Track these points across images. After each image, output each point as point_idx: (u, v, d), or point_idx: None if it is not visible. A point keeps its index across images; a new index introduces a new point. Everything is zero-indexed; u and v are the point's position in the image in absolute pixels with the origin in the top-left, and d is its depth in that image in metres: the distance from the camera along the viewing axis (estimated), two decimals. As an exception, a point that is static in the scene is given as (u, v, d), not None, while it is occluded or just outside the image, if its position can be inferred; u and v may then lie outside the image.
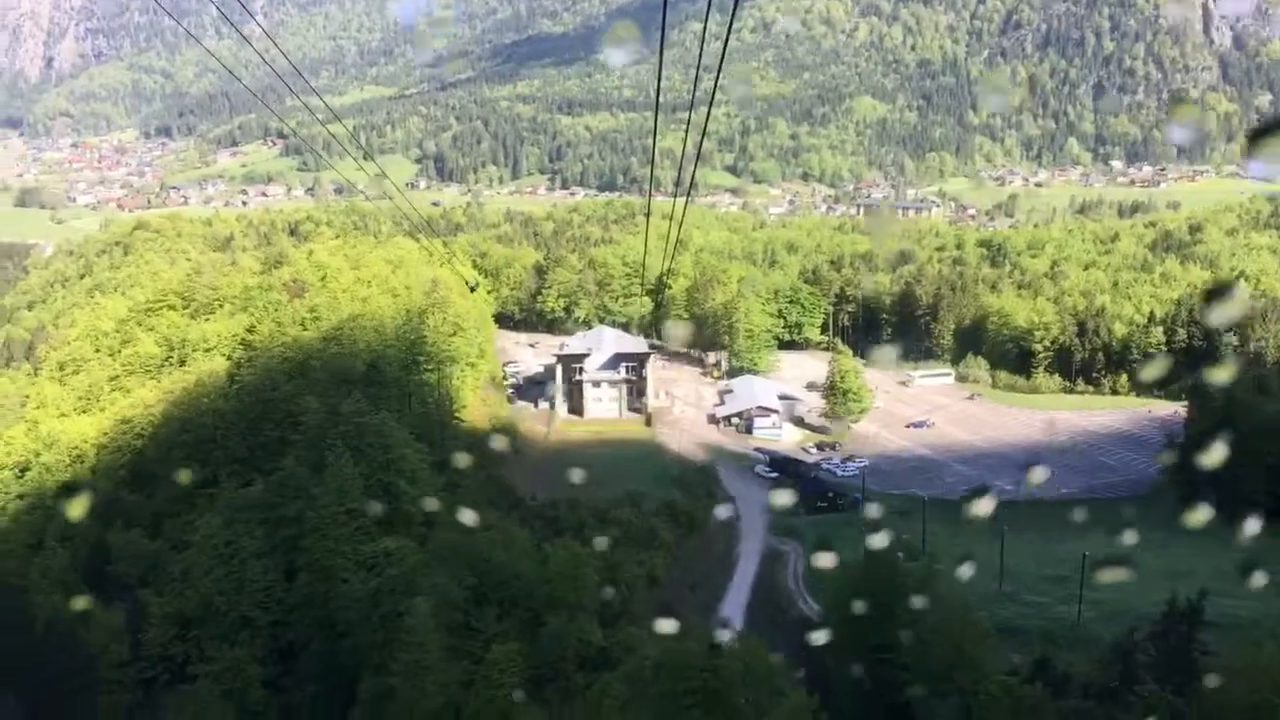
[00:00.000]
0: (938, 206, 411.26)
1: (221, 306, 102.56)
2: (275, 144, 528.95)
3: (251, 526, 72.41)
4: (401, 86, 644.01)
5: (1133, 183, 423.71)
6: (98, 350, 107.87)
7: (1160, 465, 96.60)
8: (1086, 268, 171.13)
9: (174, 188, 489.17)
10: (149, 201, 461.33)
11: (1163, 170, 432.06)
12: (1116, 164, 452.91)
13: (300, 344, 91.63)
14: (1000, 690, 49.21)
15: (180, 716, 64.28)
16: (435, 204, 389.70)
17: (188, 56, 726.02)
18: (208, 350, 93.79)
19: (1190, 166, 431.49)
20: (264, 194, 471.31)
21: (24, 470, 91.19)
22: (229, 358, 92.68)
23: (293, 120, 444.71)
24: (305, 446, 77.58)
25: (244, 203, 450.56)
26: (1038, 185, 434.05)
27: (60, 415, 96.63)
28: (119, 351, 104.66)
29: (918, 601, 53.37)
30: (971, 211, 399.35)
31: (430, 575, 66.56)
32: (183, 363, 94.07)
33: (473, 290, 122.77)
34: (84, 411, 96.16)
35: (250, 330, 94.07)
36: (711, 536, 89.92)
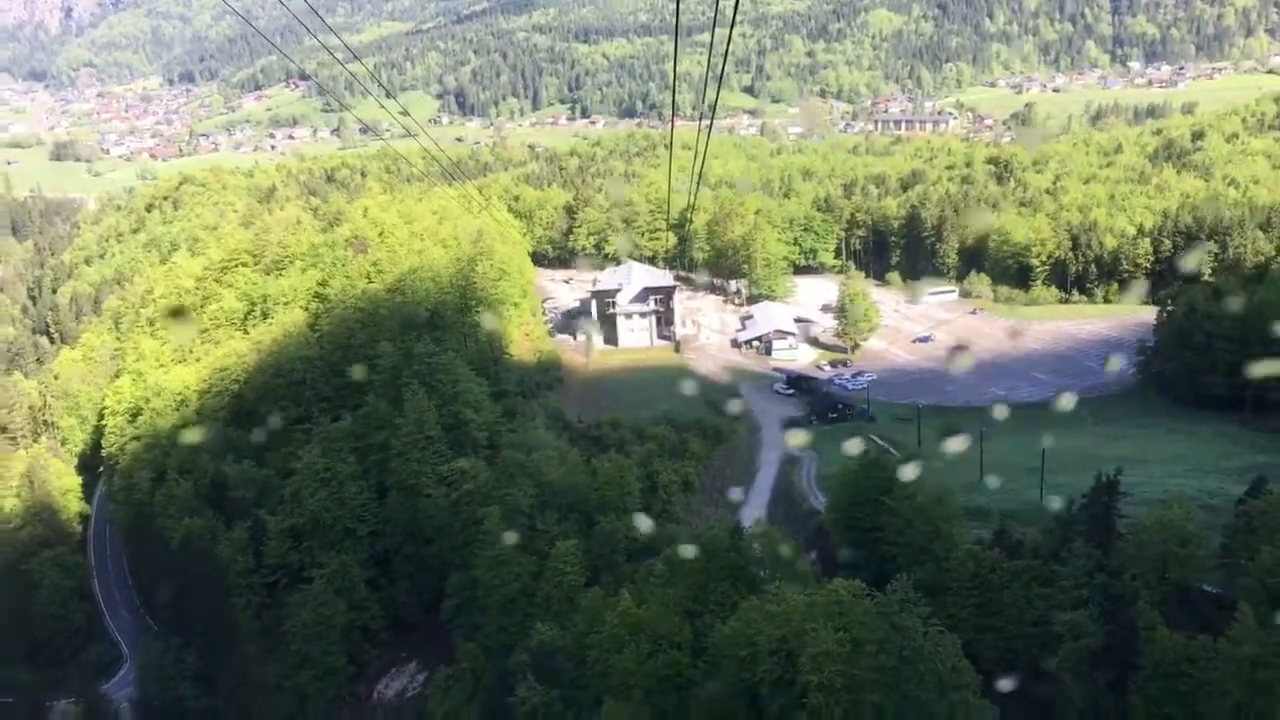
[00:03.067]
0: (955, 119, 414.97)
1: (292, 263, 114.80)
2: (298, 86, 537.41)
3: (345, 454, 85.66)
4: (418, 21, 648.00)
5: (1150, 83, 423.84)
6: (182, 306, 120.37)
7: (1132, 368, 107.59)
8: (1087, 181, 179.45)
9: (203, 135, 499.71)
10: (180, 150, 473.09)
11: (1181, 69, 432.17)
12: (1135, 65, 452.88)
13: (369, 295, 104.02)
14: (965, 556, 61.88)
15: (301, 611, 78.50)
16: (459, 139, 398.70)
17: (204, 0, 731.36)
18: (286, 304, 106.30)
19: (1209, 63, 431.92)
20: (290, 136, 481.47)
21: (135, 415, 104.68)
22: (306, 309, 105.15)
23: (313, 62, 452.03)
24: (383, 385, 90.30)
25: (272, 146, 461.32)
26: (1055, 91, 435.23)
27: (159, 366, 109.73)
28: (202, 307, 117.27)
29: (898, 493, 65.95)
30: (989, 121, 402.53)
31: (499, 488, 79.31)
32: (265, 316, 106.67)
33: None
34: (180, 362, 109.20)
35: (323, 284, 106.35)
36: (737, 447, 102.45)
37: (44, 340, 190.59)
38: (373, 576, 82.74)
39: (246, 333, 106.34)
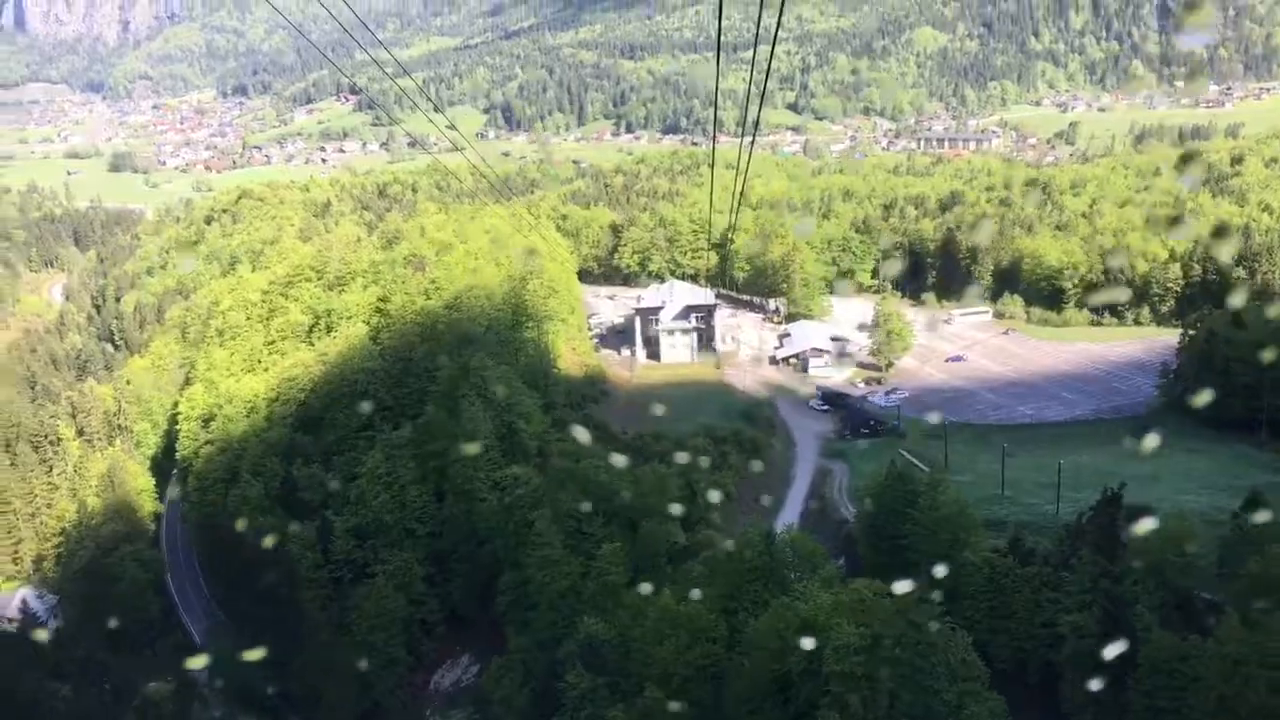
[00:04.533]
0: (998, 137, 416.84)
1: (354, 279, 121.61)
2: (348, 100, 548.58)
3: (406, 460, 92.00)
4: (466, 37, 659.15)
5: (1196, 104, 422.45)
6: (248, 318, 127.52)
7: (1155, 391, 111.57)
8: (1123, 205, 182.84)
9: (256, 148, 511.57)
10: (234, 163, 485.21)
11: (1228, 90, 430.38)
12: (1181, 85, 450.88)
13: (427, 312, 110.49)
14: (981, 562, 66.91)
15: (365, 604, 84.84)
16: (505, 154, 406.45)
17: (258, 15, 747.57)
18: (349, 318, 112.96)
19: (1257, 83, 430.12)
20: (341, 150, 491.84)
21: (208, 421, 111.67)
22: (368, 323, 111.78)
23: (363, 76, 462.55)
24: (441, 396, 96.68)
25: (323, 159, 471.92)
26: (1100, 110, 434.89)
27: (229, 375, 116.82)
28: (269, 319, 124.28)
29: (922, 504, 71.13)
30: (1032, 141, 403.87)
31: (549, 494, 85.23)
32: (329, 329, 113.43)
33: None
34: (249, 371, 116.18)
35: (383, 300, 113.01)
36: (773, 459, 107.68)
37: (109, 347, 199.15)
38: (431, 574, 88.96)
39: (312, 345, 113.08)
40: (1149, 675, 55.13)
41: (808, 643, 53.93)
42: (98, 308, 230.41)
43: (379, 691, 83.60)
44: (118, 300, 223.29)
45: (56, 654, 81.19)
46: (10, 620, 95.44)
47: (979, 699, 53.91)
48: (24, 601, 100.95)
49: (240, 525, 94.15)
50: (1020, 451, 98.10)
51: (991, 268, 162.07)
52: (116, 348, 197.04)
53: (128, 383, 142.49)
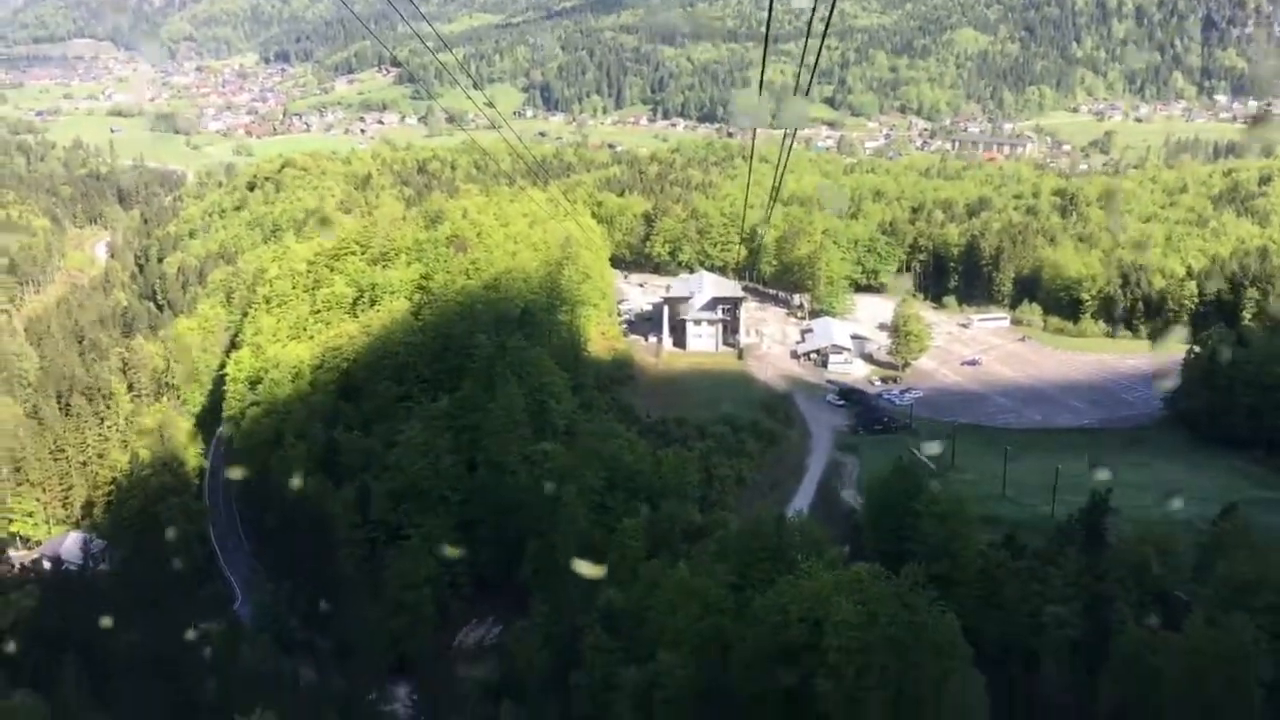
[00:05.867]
0: (1033, 142, 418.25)
1: (398, 256, 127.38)
2: (388, 72, 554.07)
3: (441, 431, 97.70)
4: (508, 15, 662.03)
5: (1235, 118, 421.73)
6: (294, 287, 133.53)
7: (1161, 404, 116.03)
8: (1147, 220, 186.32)
9: (296, 115, 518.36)
10: (274, 129, 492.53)
11: (1268, 106, 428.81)
12: (1221, 99, 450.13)
13: (467, 291, 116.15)
14: (975, 555, 71.98)
15: (399, 564, 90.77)
16: (540, 135, 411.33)
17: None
18: (392, 293, 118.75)
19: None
20: (380, 121, 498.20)
21: (254, 384, 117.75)
22: (410, 299, 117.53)
23: (405, 49, 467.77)
24: (478, 372, 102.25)
25: (362, 130, 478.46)
26: (1138, 120, 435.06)
27: (275, 341, 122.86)
28: (314, 290, 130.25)
29: (923, 500, 76.10)
30: (1067, 148, 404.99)
31: (576, 469, 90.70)
32: (373, 303, 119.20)
33: None
34: (295, 338, 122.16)
35: (426, 278, 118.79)
36: (788, 449, 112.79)
37: (153, 307, 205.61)
38: (461, 539, 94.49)
39: (355, 316, 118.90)
40: (1121, 665, 60.11)
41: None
42: (140, 267, 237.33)
43: (408, 647, 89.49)
44: (160, 261, 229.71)
45: (114, 594, 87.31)
46: (66, 563, 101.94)
47: (961, 675, 58.97)
48: (85, 544, 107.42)
49: (287, 485, 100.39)
50: (1026, 455, 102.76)
51: (1012, 275, 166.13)
52: (159, 308, 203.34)
53: (175, 342, 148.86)
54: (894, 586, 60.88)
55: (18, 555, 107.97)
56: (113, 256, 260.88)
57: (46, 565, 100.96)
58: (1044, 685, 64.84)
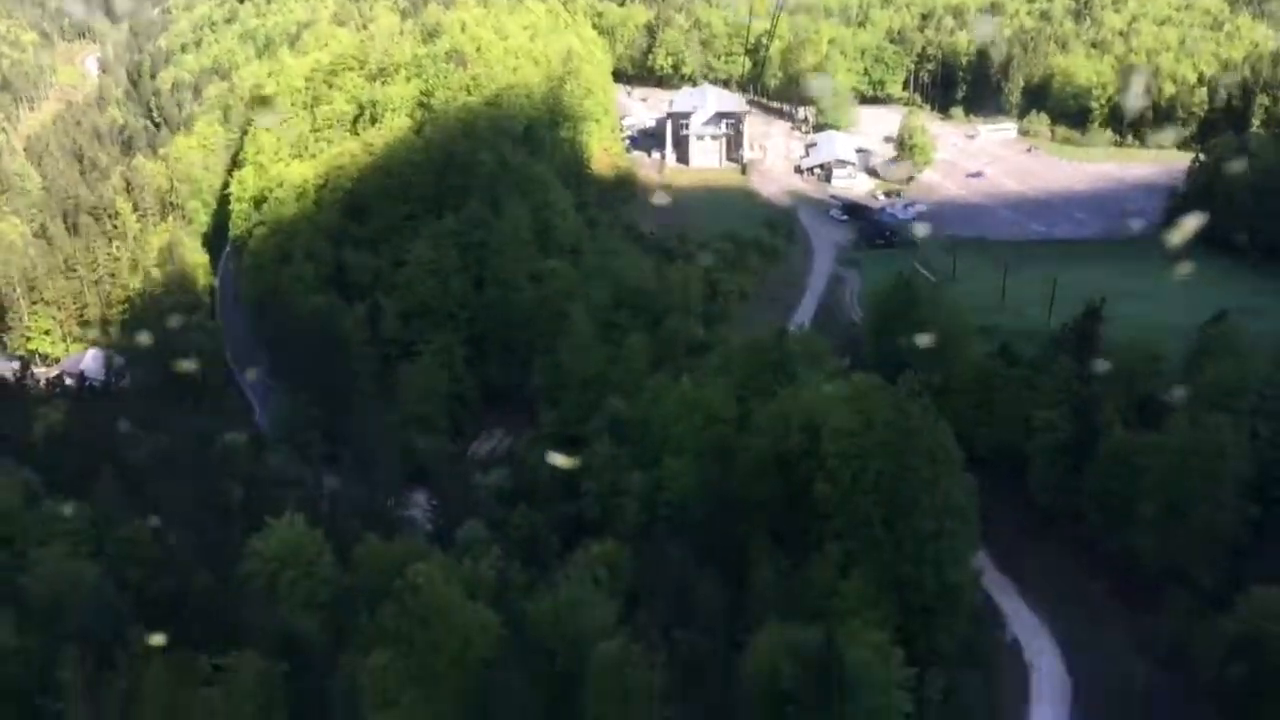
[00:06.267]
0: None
1: (397, 72, 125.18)
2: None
3: (448, 250, 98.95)
4: None
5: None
6: (292, 104, 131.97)
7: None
8: (1161, 24, 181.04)
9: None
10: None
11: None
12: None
13: (469, 108, 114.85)
14: (970, 363, 74.26)
15: (412, 379, 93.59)
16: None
17: None
18: (393, 110, 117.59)
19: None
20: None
21: (259, 203, 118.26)
22: (411, 117, 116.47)
23: None
24: (482, 190, 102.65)
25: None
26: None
27: (278, 160, 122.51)
28: (313, 107, 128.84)
29: (922, 309, 77.79)
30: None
31: (582, 287, 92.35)
32: (374, 121, 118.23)
33: None
34: (297, 157, 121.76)
35: (426, 95, 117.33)
36: (790, 264, 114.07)
37: (149, 124, 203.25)
38: (470, 355, 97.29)
39: (357, 135, 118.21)
40: (1106, 465, 63.05)
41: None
42: (134, 83, 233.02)
43: (423, 456, 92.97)
44: (153, 77, 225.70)
45: (137, 407, 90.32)
46: (89, 379, 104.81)
47: (952, 477, 61.94)
48: (108, 359, 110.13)
49: (297, 303, 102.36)
50: (1026, 267, 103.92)
51: (1021, 84, 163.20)
52: (156, 125, 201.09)
53: (176, 161, 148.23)
54: (890, 396, 63.20)
55: (40, 372, 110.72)
56: (104, 72, 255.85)
57: (69, 381, 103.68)
58: (1032, 486, 68.06)
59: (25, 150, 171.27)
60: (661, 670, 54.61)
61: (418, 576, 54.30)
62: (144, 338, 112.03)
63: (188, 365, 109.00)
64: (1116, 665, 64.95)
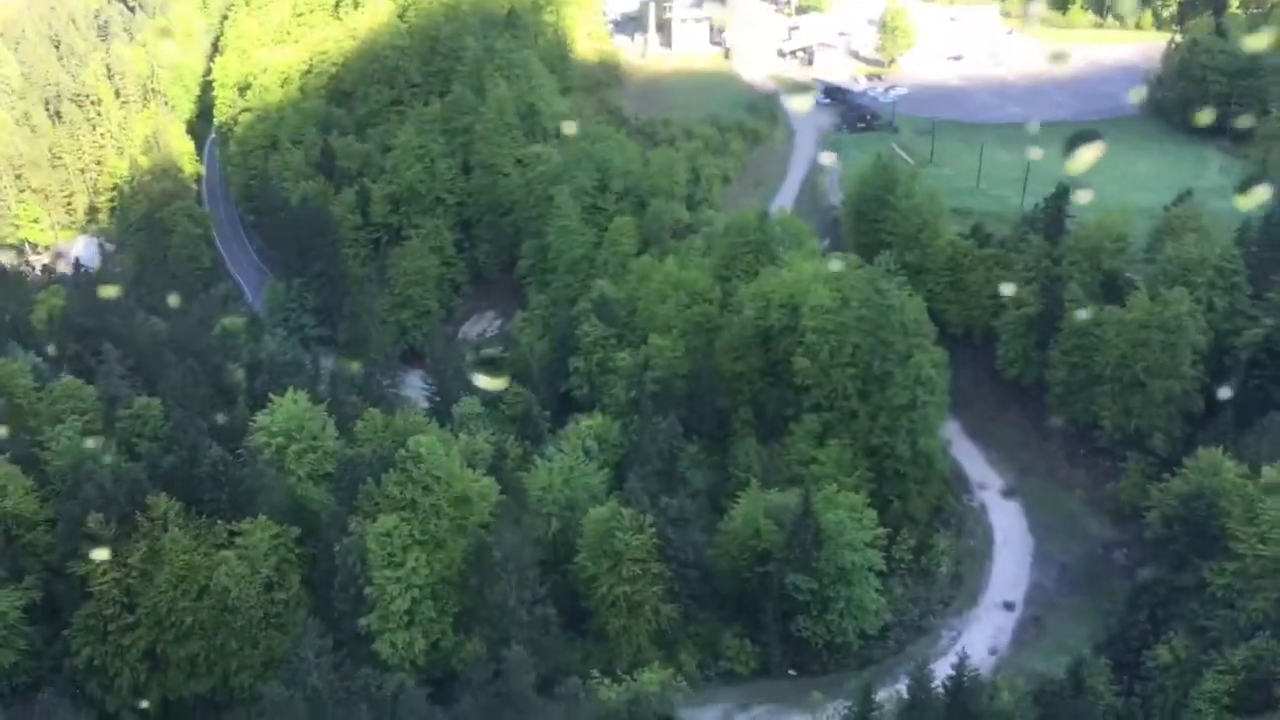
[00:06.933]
0: None
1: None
2: None
3: (435, 135, 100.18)
4: None
5: None
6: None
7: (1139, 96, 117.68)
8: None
9: None
10: None
11: None
12: None
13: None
14: (945, 244, 77.11)
15: (402, 262, 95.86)
16: None
17: None
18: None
19: None
20: None
21: (244, 89, 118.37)
22: (394, 1, 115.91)
23: None
24: (467, 75, 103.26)
25: None
26: None
27: (260, 45, 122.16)
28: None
29: (900, 192, 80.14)
30: None
31: (568, 171, 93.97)
32: (356, 4, 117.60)
33: None
34: (279, 43, 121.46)
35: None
36: (772, 148, 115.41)
37: (123, 8, 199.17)
38: (459, 239, 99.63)
39: (339, 19, 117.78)
40: (1069, 338, 66.55)
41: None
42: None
43: (415, 337, 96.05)
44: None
45: (136, 291, 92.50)
46: (84, 266, 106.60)
47: (925, 351, 65.43)
48: (101, 246, 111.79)
49: (285, 189, 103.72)
50: (1003, 149, 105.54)
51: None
52: (130, 9, 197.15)
53: (155, 46, 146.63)
54: (867, 274, 66.18)
55: (34, 260, 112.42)
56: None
57: (63, 269, 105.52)
58: (1000, 360, 71.69)
59: (1, 36, 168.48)
60: (649, 532, 58.58)
61: (419, 446, 57.68)
62: (133, 225, 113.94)
63: (180, 250, 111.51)
64: (1075, 524, 69.81)
